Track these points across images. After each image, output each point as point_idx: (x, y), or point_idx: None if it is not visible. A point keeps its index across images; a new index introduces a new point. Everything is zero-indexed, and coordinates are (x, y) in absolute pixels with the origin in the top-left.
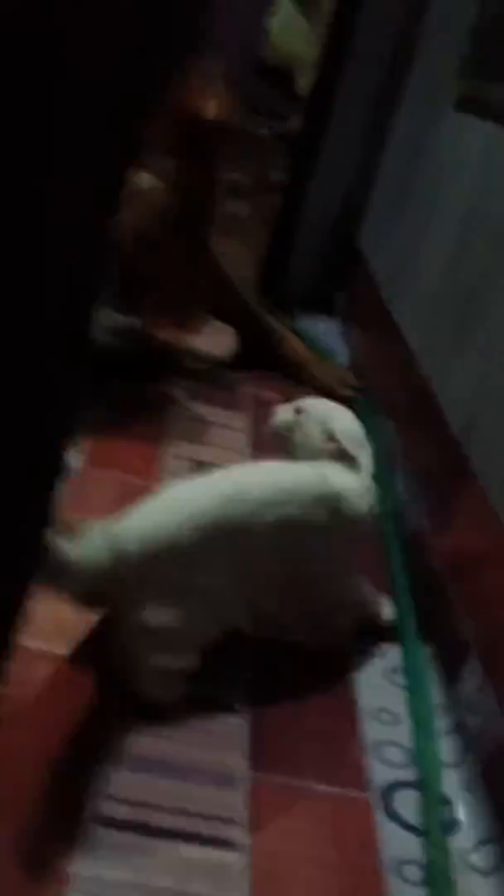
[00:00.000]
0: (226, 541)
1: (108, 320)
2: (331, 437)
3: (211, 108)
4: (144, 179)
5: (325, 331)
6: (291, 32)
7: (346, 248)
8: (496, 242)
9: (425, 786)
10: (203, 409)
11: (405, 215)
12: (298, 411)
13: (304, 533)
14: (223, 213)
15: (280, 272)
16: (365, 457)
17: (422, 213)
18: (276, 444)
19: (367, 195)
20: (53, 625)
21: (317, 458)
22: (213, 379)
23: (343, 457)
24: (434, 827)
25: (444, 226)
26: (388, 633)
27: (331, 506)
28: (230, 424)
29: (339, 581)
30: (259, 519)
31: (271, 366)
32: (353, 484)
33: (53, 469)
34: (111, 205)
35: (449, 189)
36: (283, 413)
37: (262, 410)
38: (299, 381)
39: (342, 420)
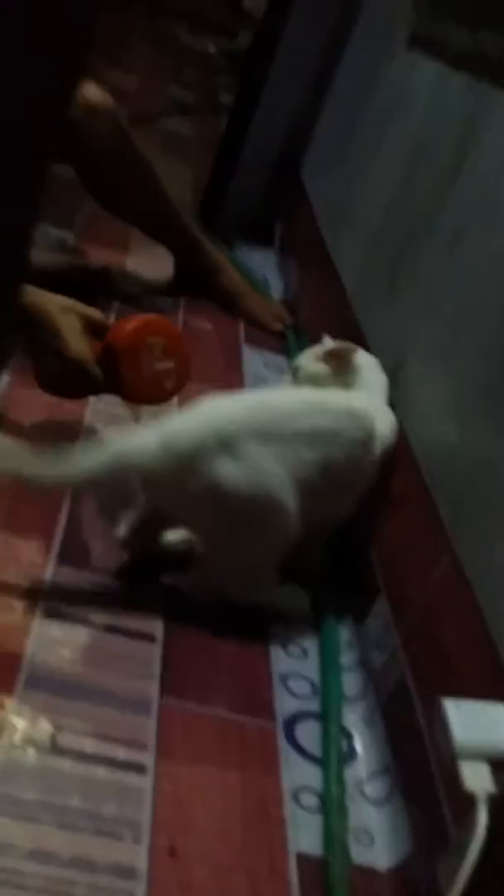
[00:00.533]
0: (254, 443)
1: (41, 236)
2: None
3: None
4: (92, 92)
5: (262, 261)
6: None
7: (288, 178)
8: (438, 186)
9: (327, 717)
10: None
11: (349, 150)
12: (295, 371)
13: (333, 446)
14: (166, 130)
15: (220, 197)
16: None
17: (366, 149)
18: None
19: (313, 125)
20: None
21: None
22: (145, 303)
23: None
24: (332, 757)
25: (387, 165)
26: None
27: (359, 423)
28: None
29: (349, 503)
30: (287, 427)
31: (206, 294)
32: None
33: None
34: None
35: (395, 127)
36: (307, 363)
37: (192, 339)
38: (233, 312)
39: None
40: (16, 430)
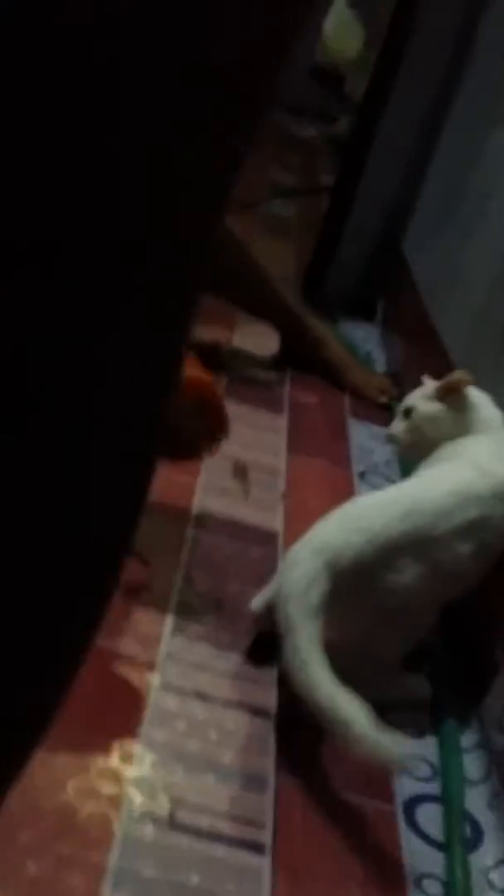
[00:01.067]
0: (413, 553)
1: None
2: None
3: None
4: None
5: (365, 337)
6: (345, 34)
7: (390, 254)
8: None
9: (448, 800)
10: (243, 409)
11: (451, 226)
12: (407, 412)
13: (487, 532)
14: (268, 213)
15: (323, 275)
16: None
17: (468, 224)
18: (405, 454)
19: (414, 202)
20: None
21: (450, 428)
22: (253, 379)
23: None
24: (455, 842)
25: (490, 240)
26: None
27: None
28: (269, 426)
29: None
30: (444, 527)
31: (311, 368)
32: None
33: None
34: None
35: (497, 202)
36: (396, 427)
37: (298, 412)
38: (338, 384)
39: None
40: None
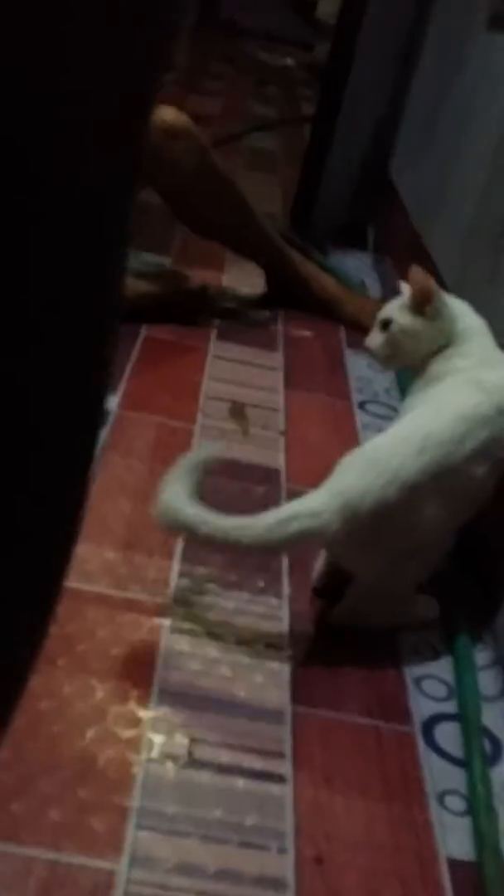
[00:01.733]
0: (432, 487)
1: (137, 262)
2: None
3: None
4: (169, 114)
5: (358, 265)
6: None
7: (377, 180)
8: None
9: (466, 717)
10: (236, 349)
11: (436, 143)
12: (385, 325)
13: (499, 449)
14: (250, 147)
15: (311, 206)
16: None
17: (452, 139)
18: (385, 366)
19: (397, 124)
20: (99, 566)
21: (431, 341)
22: (244, 318)
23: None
24: (475, 758)
25: (475, 151)
26: None
27: None
28: (264, 363)
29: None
30: (460, 454)
31: (303, 305)
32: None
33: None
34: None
35: (480, 112)
36: (374, 339)
37: (294, 348)
38: (334, 318)
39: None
40: (128, 451)
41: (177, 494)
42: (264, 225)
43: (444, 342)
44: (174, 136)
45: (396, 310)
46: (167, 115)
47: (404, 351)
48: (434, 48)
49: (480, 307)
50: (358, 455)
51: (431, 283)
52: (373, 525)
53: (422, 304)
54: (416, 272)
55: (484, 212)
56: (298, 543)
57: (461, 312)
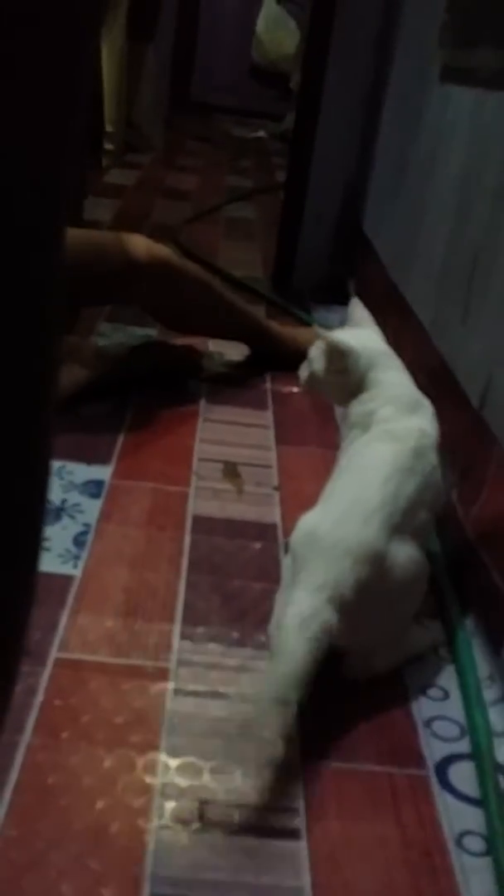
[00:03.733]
0: (395, 542)
1: (124, 335)
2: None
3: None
4: (140, 248)
5: (341, 320)
6: (277, 31)
7: (352, 235)
8: (494, 204)
9: (479, 755)
10: (226, 410)
11: (403, 195)
12: (309, 363)
13: (432, 482)
14: (230, 217)
15: (290, 267)
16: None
17: (418, 191)
18: (314, 395)
19: (366, 179)
20: (100, 635)
21: (342, 389)
22: (233, 380)
23: (358, 365)
24: (492, 796)
25: (441, 197)
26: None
27: (429, 456)
28: (255, 422)
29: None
30: (399, 509)
31: (287, 363)
32: (414, 419)
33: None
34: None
35: (442, 160)
36: (301, 372)
37: (283, 405)
38: None
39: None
40: (124, 519)
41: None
42: (241, 310)
43: (358, 389)
44: (143, 268)
45: (317, 356)
46: (136, 247)
47: (322, 390)
48: (394, 104)
49: (455, 348)
50: (310, 544)
51: (340, 344)
52: (360, 606)
53: (331, 360)
54: (327, 336)
55: (451, 259)
56: (318, 648)
57: (375, 362)
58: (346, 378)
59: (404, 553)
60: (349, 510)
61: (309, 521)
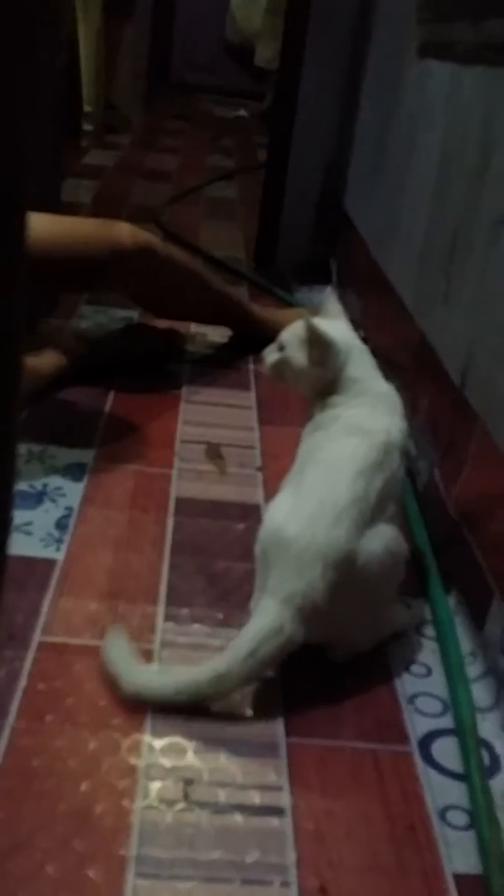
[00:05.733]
0: (367, 539)
1: (105, 317)
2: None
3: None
4: (125, 234)
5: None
6: (249, 7)
7: (333, 214)
8: (473, 181)
9: (462, 730)
10: (208, 392)
11: (384, 174)
12: (281, 347)
13: (398, 476)
14: (211, 197)
15: (273, 247)
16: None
17: (398, 170)
18: (277, 382)
19: (347, 158)
20: (83, 618)
21: (314, 382)
22: (215, 362)
23: (328, 359)
24: (475, 771)
25: (421, 175)
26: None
27: (390, 444)
28: (237, 403)
29: None
30: (368, 506)
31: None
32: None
33: None
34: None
35: (421, 137)
36: (269, 355)
37: (266, 385)
38: None
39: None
40: (106, 502)
41: (133, 672)
42: (224, 294)
43: (331, 385)
44: (128, 256)
45: (294, 341)
46: (121, 234)
47: (289, 378)
48: (373, 81)
49: (437, 327)
50: (280, 547)
51: (325, 336)
52: (334, 607)
53: (313, 350)
54: (314, 325)
55: (431, 237)
56: (275, 661)
57: (350, 359)
58: (321, 372)
59: (379, 543)
60: (319, 509)
61: (277, 519)
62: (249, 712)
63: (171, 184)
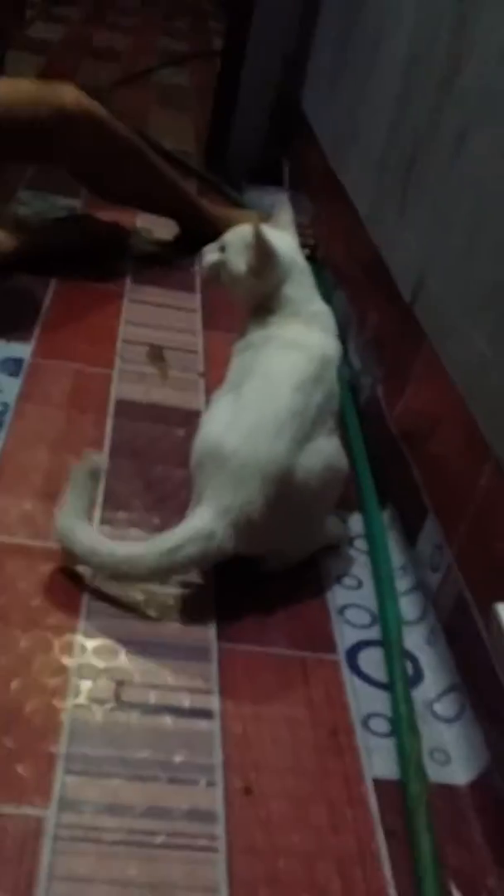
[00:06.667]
0: (306, 453)
1: (46, 205)
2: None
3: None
4: (69, 96)
5: (274, 201)
6: None
7: (290, 114)
8: (436, 91)
9: (389, 643)
10: (153, 292)
11: (345, 74)
12: (223, 248)
13: (335, 391)
14: (163, 83)
15: (224, 143)
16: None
17: (362, 70)
18: (211, 285)
19: (307, 56)
20: (17, 517)
21: (248, 292)
22: (160, 260)
23: (265, 269)
24: (397, 679)
25: (384, 82)
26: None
27: (325, 360)
28: (182, 305)
29: None
30: (308, 419)
31: None
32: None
33: None
34: None
35: (387, 42)
36: (208, 254)
37: (212, 289)
38: None
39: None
40: (44, 399)
41: (70, 520)
42: (173, 181)
43: (266, 301)
44: (73, 119)
45: (238, 244)
46: (67, 96)
47: (225, 283)
48: None
49: (390, 241)
50: (217, 460)
51: (270, 245)
52: (270, 521)
53: (254, 258)
54: (261, 232)
55: (392, 146)
56: (196, 565)
57: (290, 276)
58: (257, 283)
59: (318, 458)
60: (258, 423)
61: (214, 432)
62: (184, 617)
63: (120, 64)
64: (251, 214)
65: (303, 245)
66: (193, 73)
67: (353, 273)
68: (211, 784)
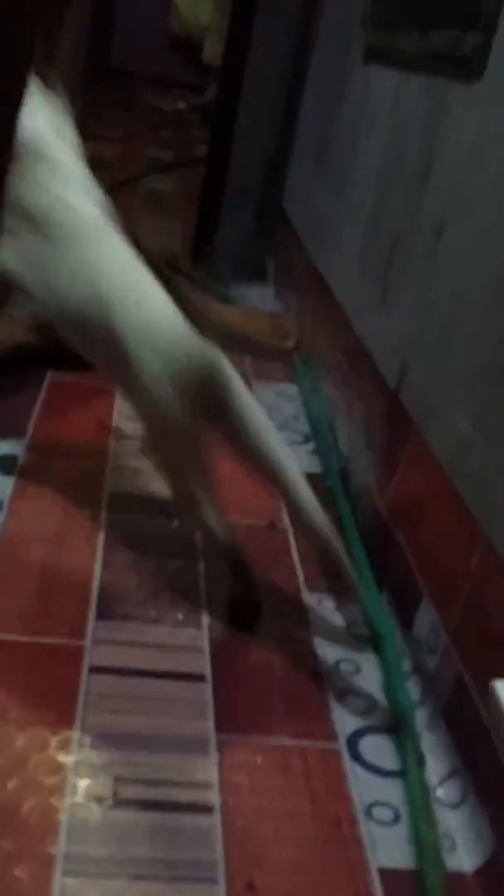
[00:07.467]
0: None
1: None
2: None
3: None
4: None
5: (260, 297)
6: (196, 2)
7: (272, 213)
8: (412, 188)
9: (400, 725)
10: None
11: (324, 176)
12: None
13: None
14: (149, 189)
15: (210, 243)
16: None
17: (340, 169)
18: None
19: (287, 157)
20: (13, 613)
21: None
22: None
23: None
24: (411, 764)
25: (361, 180)
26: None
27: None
28: None
29: None
30: None
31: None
32: None
33: None
34: None
35: (363, 142)
36: None
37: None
38: (240, 349)
39: None
40: (39, 496)
41: None
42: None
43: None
44: None
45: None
46: None
47: None
48: (317, 83)
49: (373, 332)
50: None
51: None
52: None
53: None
54: None
55: (371, 242)
56: None
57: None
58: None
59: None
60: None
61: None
62: (182, 710)
63: (109, 173)
64: (268, 319)
65: (284, 339)
66: (179, 179)
67: (338, 363)
68: (213, 881)
